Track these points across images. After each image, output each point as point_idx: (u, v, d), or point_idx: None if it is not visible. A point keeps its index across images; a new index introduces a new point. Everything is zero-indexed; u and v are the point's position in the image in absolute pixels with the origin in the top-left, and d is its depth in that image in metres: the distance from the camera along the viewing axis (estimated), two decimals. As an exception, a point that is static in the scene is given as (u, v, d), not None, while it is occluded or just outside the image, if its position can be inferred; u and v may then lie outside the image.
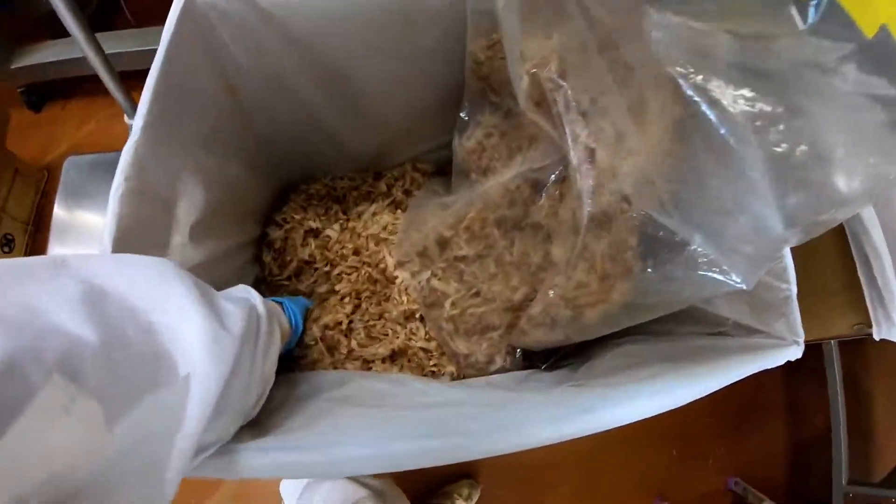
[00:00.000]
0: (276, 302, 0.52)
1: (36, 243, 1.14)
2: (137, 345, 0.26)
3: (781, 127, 0.24)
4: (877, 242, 0.71)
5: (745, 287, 0.33)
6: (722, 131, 0.26)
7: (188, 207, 0.45)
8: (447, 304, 0.55)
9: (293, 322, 0.52)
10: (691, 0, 0.29)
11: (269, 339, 0.38)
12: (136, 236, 0.38)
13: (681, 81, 0.27)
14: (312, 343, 0.59)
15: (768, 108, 0.24)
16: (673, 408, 0.36)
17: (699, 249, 0.32)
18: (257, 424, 0.38)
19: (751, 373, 0.41)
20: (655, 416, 0.35)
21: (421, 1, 0.51)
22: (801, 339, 0.43)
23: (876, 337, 0.73)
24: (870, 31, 0.25)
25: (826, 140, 0.24)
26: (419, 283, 0.58)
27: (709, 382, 0.38)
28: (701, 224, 0.32)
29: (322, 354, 0.58)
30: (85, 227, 0.78)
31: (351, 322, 0.61)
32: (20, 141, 1.09)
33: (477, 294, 0.53)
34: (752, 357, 0.41)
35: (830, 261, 0.78)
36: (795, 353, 0.43)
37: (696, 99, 0.26)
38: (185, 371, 0.28)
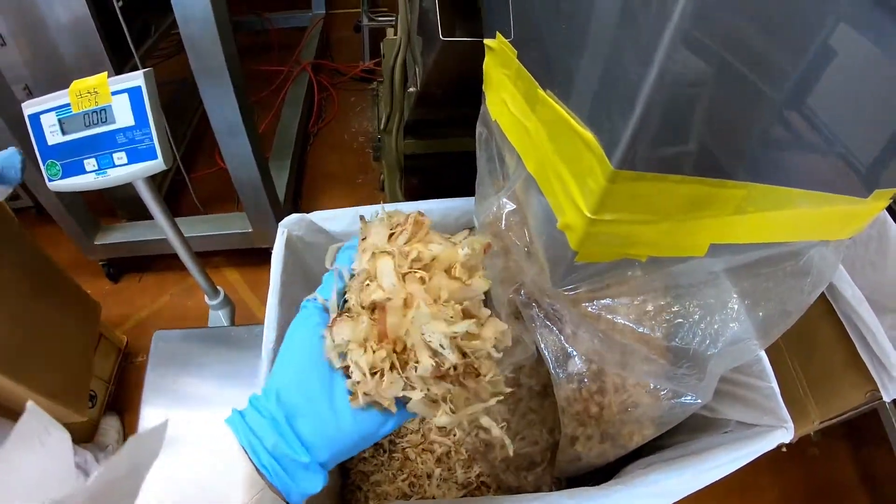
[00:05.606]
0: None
1: (115, 401, 1.28)
2: None
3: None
4: (865, 317, 0.79)
5: (701, 402, 0.43)
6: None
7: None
8: (497, 449, 0.65)
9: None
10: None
11: None
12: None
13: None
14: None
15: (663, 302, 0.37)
16: (675, 498, 0.45)
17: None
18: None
19: (749, 459, 0.49)
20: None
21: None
22: (790, 424, 0.52)
23: (886, 399, 0.79)
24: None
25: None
26: (469, 438, 0.70)
27: (701, 470, 0.46)
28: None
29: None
30: (173, 390, 0.93)
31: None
32: (101, 308, 1.25)
33: (523, 439, 0.64)
34: (746, 444, 0.49)
35: (829, 342, 0.86)
36: (784, 435, 0.51)
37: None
38: None
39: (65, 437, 0.27)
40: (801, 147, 0.31)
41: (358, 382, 0.33)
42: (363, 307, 0.34)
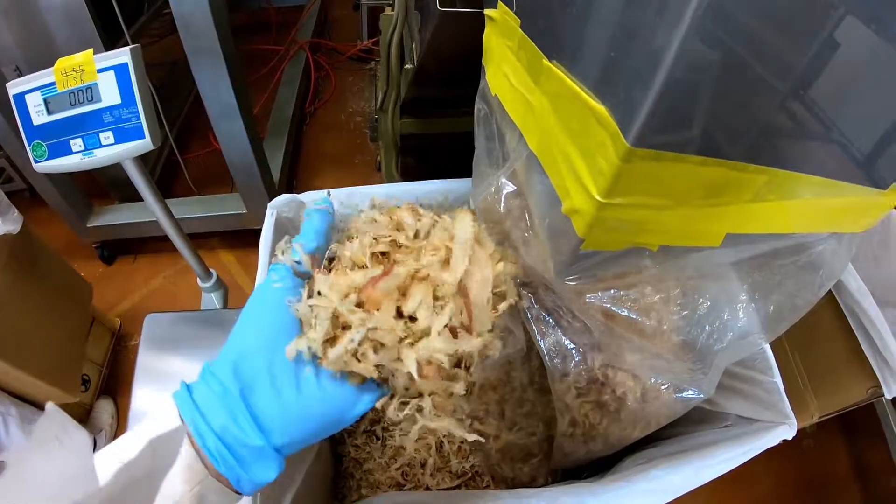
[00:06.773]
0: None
1: (109, 384, 1.26)
2: None
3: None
4: (869, 310, 0.77)
5: (704, 397, 0.41)
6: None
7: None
8: (492, 440, 0.64)
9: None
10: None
11: None
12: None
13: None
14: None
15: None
16: (675, 495, 0.43)
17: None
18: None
19: (750, 456, 0.48)
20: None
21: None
22: (793, 420, 0.50)
23: (888, 396, 0.77)
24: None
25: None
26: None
27: (702, 466, 0.45)
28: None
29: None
30: (165, 373, 0.92)
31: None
32: (95, 291, 1.24)
33: (520, 429, 0.62)
34: (748, 440, 0.48)
35: (831, 336, 0.84)
36: (788, 432, 0.49)
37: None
38: None
39: (84, 437, 0.27)
40: (825, 132, 0.28)
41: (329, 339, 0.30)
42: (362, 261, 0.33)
